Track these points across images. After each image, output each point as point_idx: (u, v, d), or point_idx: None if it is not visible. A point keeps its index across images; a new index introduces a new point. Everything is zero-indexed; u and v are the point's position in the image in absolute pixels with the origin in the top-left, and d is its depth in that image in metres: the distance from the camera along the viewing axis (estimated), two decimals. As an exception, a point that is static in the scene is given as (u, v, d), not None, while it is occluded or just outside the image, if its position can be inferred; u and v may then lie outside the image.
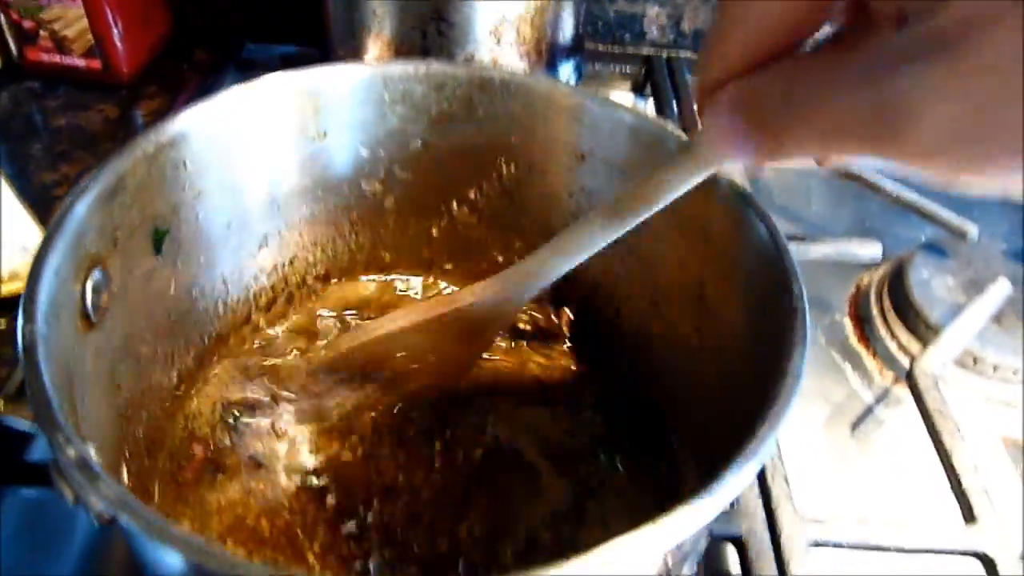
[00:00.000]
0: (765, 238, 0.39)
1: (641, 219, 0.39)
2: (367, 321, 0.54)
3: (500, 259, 0.57)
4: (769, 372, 0.36)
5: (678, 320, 0.48)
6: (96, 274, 0.38)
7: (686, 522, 0.29)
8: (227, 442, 0.48)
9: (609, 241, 0.42)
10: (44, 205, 0.72)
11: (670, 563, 0.33)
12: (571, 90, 0.48)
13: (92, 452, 0.28)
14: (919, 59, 0.22)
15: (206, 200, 0.46)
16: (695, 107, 0.33)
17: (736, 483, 0.30)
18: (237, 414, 0.50)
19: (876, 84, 0.23)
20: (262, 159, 0.47)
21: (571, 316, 0.56)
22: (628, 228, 0.40)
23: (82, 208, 0.38)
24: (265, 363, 0.52)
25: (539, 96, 0.48)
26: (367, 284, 0.57)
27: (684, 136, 0.45)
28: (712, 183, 0.42)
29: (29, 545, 0.52)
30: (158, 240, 0.43)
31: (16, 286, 0.65)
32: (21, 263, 0.67)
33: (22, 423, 0.33)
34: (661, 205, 0.38)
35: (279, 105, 0.46)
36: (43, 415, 0.29)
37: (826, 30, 0.29)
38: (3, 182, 0.69)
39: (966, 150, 0.23)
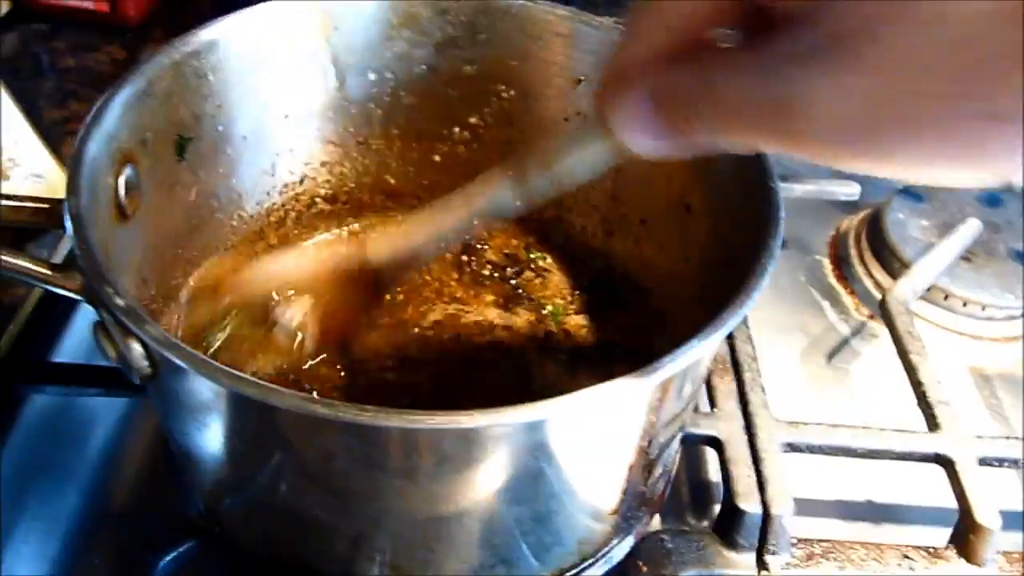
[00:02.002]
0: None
1: (547, 198, 0.40)
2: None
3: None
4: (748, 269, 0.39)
5: (666, 235, 0.51)
6: (128, 170, 0.42)
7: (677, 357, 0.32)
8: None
9: (515, 212, 0.42)
10: (55, 139, 0.74)
11: (654, 420, 0.37)
12: (568, 13, 0.51)
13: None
14: (813, 57, 0.24)
15: (226, 112, 0.49)
16: (598, 94, 0.34)
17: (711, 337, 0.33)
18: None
19: (773, 79, 0.25)
20: (279, 76, 0.51)
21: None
22: (532, 206, 0.41)
23: (116, 106, 0.41)
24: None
25: (537, 20, 0.51)
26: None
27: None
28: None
29: (52, 442, 0.56)
30: (181, 147, 0.46)
31: (32, 212, 0.68)
32: (35, 189, 0.70)
33: (69, 293, 0.36)
34: (569, 186, 0.39)
35: (297, 24, 0.50)
36: (93, 270, 0.32)
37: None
38: (19, 114, 0.71)
39: (858, 142, 0.24)
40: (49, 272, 0.36)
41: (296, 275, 0.46)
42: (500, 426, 0.31)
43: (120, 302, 0.31)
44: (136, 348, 0.33)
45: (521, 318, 0.57)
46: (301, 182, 0.57)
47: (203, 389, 0.32)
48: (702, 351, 0.34)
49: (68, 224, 0.34)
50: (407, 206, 0.62)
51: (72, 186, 0.35)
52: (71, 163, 0.37)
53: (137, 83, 0.42)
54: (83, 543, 0.52)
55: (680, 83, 0.29)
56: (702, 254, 0.49)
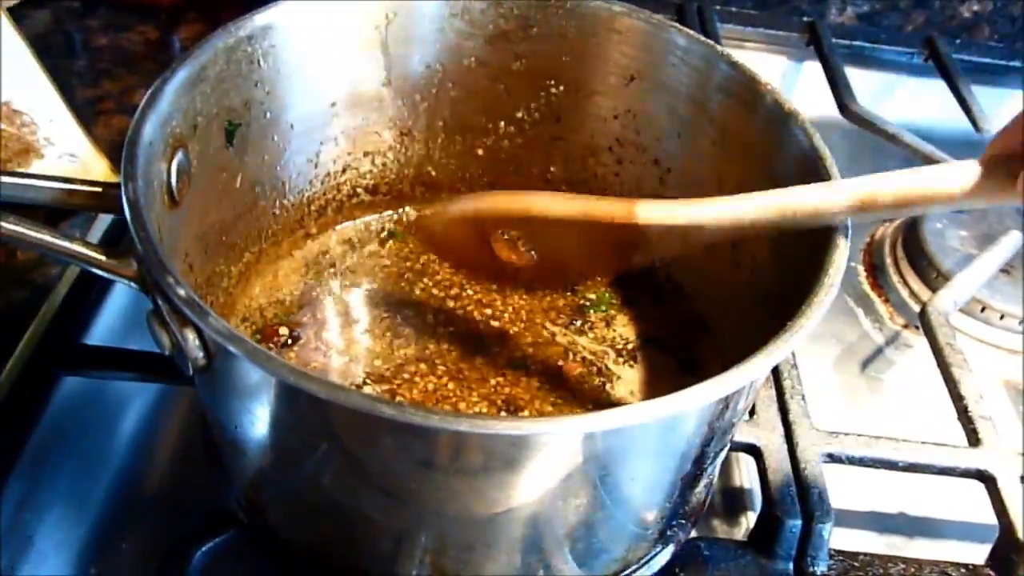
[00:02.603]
0: (806, 148, 0.42)
1: (878, 217, 0.38)
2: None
3: (535, 182, 0.59)
4: (802, 288, 0.39)
5: (718, 249, 0.50)
6: (180, 155, 0.41)
7: (730, 380, 0.32)
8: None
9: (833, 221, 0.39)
10: (88, 118, 0.74)
11: (712, 431, 0.36)
12: (624, 9, 0.50)
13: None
14: None
15: (275, 99, 0.48)
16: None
17: (778, 352, 0.32)
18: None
19: None
20: (329, 64, 0.50)
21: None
22: (862, 217, 0.39)
23: (170, 90, 0.40)
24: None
25: (594, 16, 0.50)
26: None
27: (733, 57, 0.47)
28: (755, 98, 0.45)
29: (84, 425, 0.55)
30: (230, 132, 0.46)
31: (65, 191, 0.67)
32: (69, 168, 0.70)
33: (122, 279, 0.36)
34: (917, 212, 0.37)
35: (352, 12, 0.49)
36: (152, 258, 0.32)
37: None
38: (55, 93, 0.71)
39: None
40: (104, 258, 0.36)
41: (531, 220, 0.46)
42: (562, 435, 0.30)
43: (181, 292, 0.31)
44: (192, 338, 0.32)
45: (563, 310, 0.57)
46: (343, 171, 0.56)
47: (262, 383, 0.32)
48: (768, 366, 0.33)
49: (126, 210, 0.33)
50: (447, 198, 0.61)
51: (129, 171, 0.35)
52: (127, 147, 0.36)
53: (191, 67, 0.41)
54: (114, 530, 0.52)
55: None
56: (755, 263, 0.48)
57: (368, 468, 0.34)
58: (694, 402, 0.31)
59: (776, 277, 0.46)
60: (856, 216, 0.38)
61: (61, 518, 0.52)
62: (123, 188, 0.34)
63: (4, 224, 0.34)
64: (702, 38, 0.48)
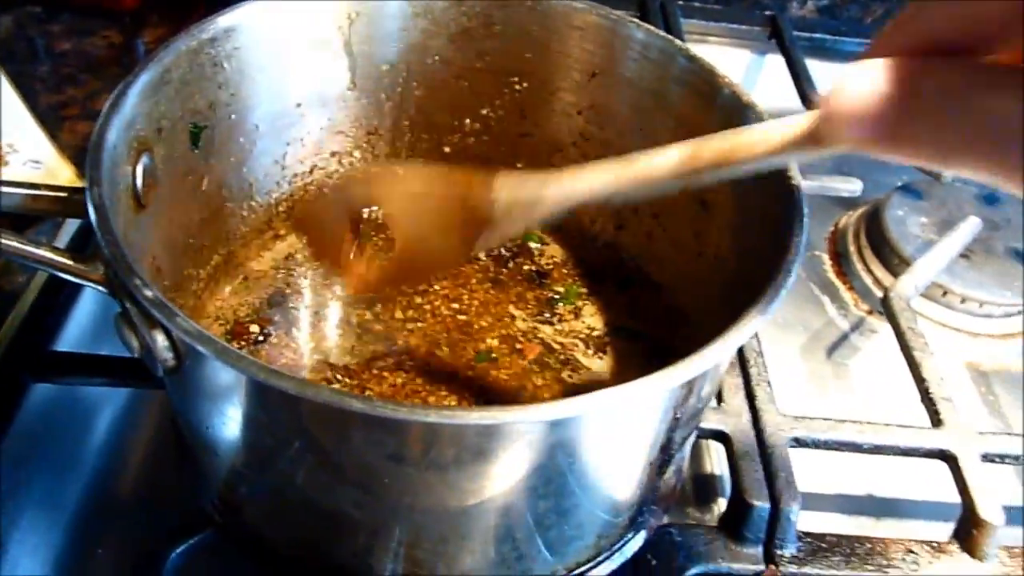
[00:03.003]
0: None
1: (718, 178, 0.36)
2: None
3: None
4: (764, 277, 0.39)
5: (680, 230, 0.52)
6: (145, 159, 0.41)
7: (703, 360, 0.32)
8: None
9: (670, 187, 0.37)
10: (52, 124, 0.73)
11: (678, 416, 0.37)
12: (586, 6, 0.51)
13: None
14: None
15: (240, 101, 0.48)
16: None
17: (742, 333, 0.33)
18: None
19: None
20: (293, 65, 0.50)
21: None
22: (699, 182, 0.37)
23: (134, 94, 0.40)
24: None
25: (555, 13, 0.51)
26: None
27: (691, 51, 0.48)
28: (713, 90, 0.46)
29: (54, 431, 0.55)
30: (195, 135, 0.46)
31: (30, 198, 0.67)
32: (34, 175, 0.69)
33: (90, 283, 0.36)
34: (747, 168, 0.35)
35: (315, 12, 0.49)
36: (120, 262, 0.32)
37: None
38: (18, 99, 0.70)
39: None
40: (71, 262, 0.36)
41: (394, 191, 0.45)
42: (531, 423, 0.31)
43: (149, 294, 0.31)
44: (161, 340, 0.33)
45: (530, 302, 0.57)
46: (311, 172, 0.57)
47: (233, 382, 0.32)
48: (729, 349, 0.34)
49: (92, 215, 0.33)
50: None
51: (94, 175, 0.35)
52: (91, 152, 0.36)
53: (154, 70, 0.42)
54: (89, 534, 0.52)
55: (909, 91, 0.27)
56: (718, 251, 0.49)
57: (341, 463, 0.34)
58: (657, 387, 0.32)
59: (738, 266, 0.47)
60: (687, 179, 0.37)
61: (35, 523, 0.52)
62: (88, 192, 0.34)
63: (-33, 230, 0.34)
64: (661, 32, 0.49)
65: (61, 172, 0.69)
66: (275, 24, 0.48)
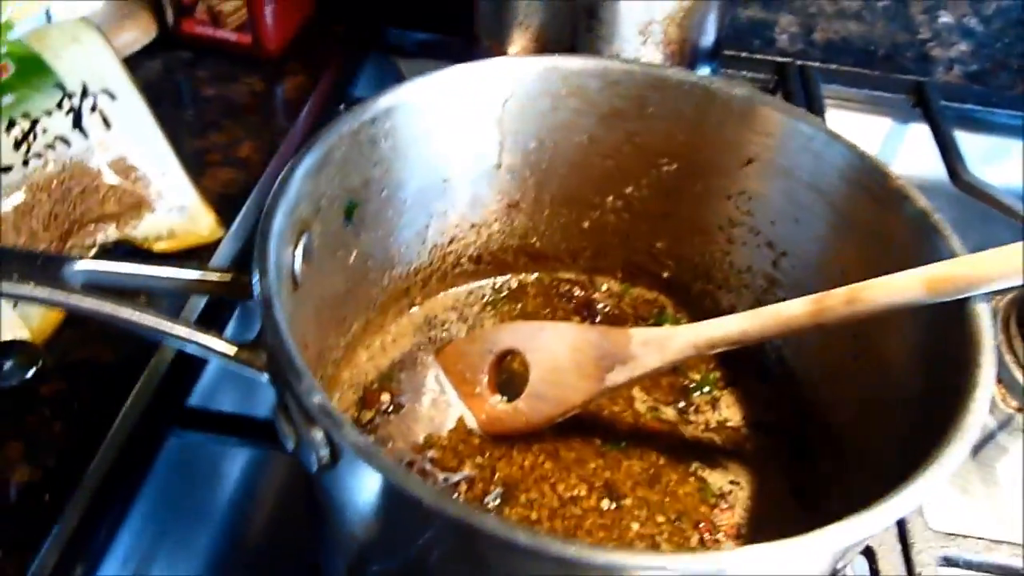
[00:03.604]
0: (944, 253, 0.40)
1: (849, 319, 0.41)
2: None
3: (640, 257, 0.59)
4: (936, 400, 0.37)
5: (837, 328, 0.49)
6: (305, 238, 0.42)
7: (862, 526, 0.30)
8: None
9: (802, 331, 0.43)
10: (196, 170, 0.75)
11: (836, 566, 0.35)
12: (747, 93, 0.49)
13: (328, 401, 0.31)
14: None
15: (392, 177, 0.49)
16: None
17: (910, 499, 0.31)
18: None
19: None
20: (445, 142, 0.50)
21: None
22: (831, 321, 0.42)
23: (298, 176, 0.41)
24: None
25: (715, 97, 0.49)
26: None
27: (862, 148, 0.46)
28: (899, 199, 0.43)
29: (186, 479, 0.56)
30: (349, 211, 0.46)
31: (172, 244, 0.69)
32: (178, 222, 0.71)
33: (251, 371, 0.36)
34: (874, 310, 0.40)
35: (471, 92, 0.49)
36: (287, 364, 0.32)
37: None
38: (167, 145, 0.73)
39: None
40: (234, 352, 0.36)
41: (535, 336, 0.50)
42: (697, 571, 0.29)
43: (317, 400, 0.31)
44: (320, 438, 0.32)
45: (664, 388, 0.55)
46: (450, 243, 0.56)
47: (389, 492, 0.31)
48: (909, 505, 0.31)
49: (260, 308, 0.34)
50: (549, 268, 0.61)
51: (261, 265, 0.35)
52: (259, 239, 0.36)
53: (318, 152, 0.42)
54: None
55: None
56: (880, 357, 0.46)
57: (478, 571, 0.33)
58: (825, 544, 0.30)
59: (904, 375, 0.44)
60: (818, 321, 0.42)
61: (170, 567, 0.53)
62: (257, 286, 0.34)
63: (140, 319, 0.35)
64: (827, 127, 0.47)
65: (203, 219, 0.71)
66: (432, 103, 0.48)
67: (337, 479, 0.35)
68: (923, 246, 0.41)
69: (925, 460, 0.32)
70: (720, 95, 0.49)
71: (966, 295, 0.38)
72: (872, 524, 0.30)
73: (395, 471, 0.29)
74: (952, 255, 0.40)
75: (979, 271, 0.37)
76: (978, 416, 0.34)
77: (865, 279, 0.45)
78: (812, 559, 0.31)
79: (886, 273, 0.40)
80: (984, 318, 0.38)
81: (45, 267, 0.35)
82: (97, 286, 0.36)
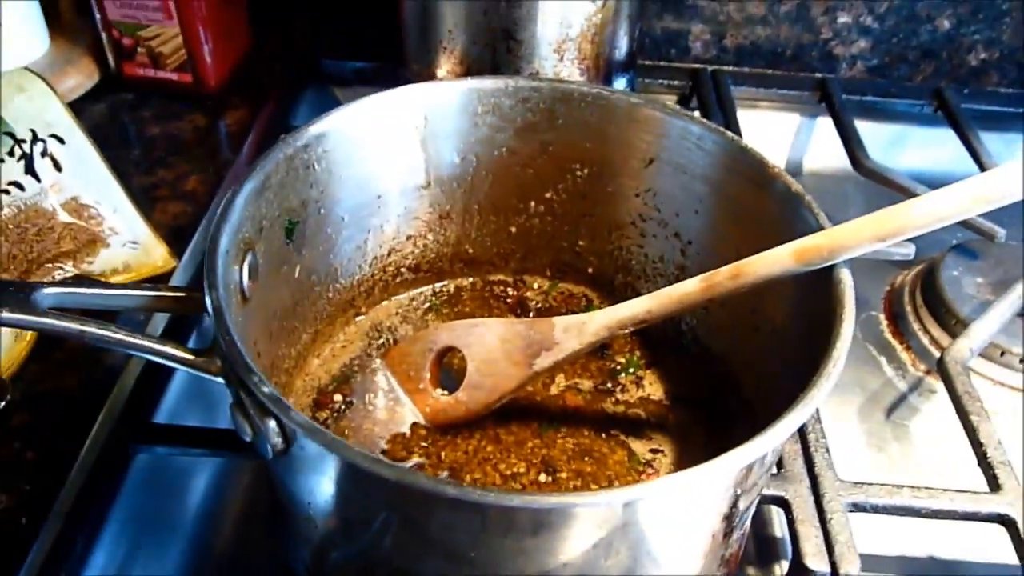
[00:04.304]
0: (814, 226, 0.46)
1: (734, 291, 0.47)
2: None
3: (565, 256, 0.65)
4: (819, 346, 0.42)
5: (736, 305, 0.54)
6: (250, 257, 0.46)
7: (760, 445, 0.35)
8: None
9: (697, 305, 0.49)
10: (146, 204, 0.79)
11: (739, 492, 0.40)
12: (643, 100, 0.55)
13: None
14: None
15: (328, 196, 0.53)
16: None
17: (795, 419, 0.36)
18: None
19: None
20: (375, 162, 0.55)
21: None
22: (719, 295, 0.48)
23: (240, 202, 0.45)
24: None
25: (614, 107, 0.55)
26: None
27: (742, 142, 0.52)
28: (765, 180, 0.49)
29: (156, 493, 0.60)
30: (290, 230, 0.51)
31: (127, 276, 0.73)
32: (132, 255, 0.75)
33: (208, 375, 0.40)
34: (755, 281, 0.46)
35: (394, 116, 0.54)
36: (238, 361, 0.36)
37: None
38: (117, 184, 0.76)
39: None
40: (192, 357, 0.41)
41: (471, 333, 0.55)
42: (603, 506, 0.34)
43: (266, 390, 0.35)
44: (273, 427, 0.37)
45: (593, 372, 0.61)
46: (389, 255, 0.61)
47: (337, 466, 0.36)
48: (787, 431, 0.37)
49: (212, 318, 0.38)
50: (483, 272, 0.66)
51: (211, 280, 0.40)
52: (207, 258, 0.41)
53: (257, 178, 0.47)
54: (190, 593, 0.56)
55: None
56: (773, 325, 0.52)
57: (429, 537, 0.38)
58: (722, 470, 0.35)
59: (795, 340, 0.50)
60: (708, 296, 0.49)
61: (143, 579, 0.57)
62: (207, 298, 0.39)
63: (107, 333, 0.39)
64: (714, 125, 0.53)
65: (155, 251, 0.75)
66: (359, 128, 0.53)
67: (291, 463, 0.39)
68: (795, 223, 0.47)
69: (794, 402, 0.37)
70: (617, 103, 0.55)
71: (830, 263, 0.44)
72: (753, 450, 0.36)
73: (337, 443, 0.33)
74: (819, 229, 0.46)
75: (839, 241, 0.43)
76: (838, 361, 0.39)
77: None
78: (711, 485, 0.36)
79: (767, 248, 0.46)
80: (846, 281, 0.43)
81: (16, 294, 0.39)
82: (65, 309, 0.40)
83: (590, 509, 0.34)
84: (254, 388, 0.35)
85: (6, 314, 0.38)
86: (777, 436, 0.36)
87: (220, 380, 0.41)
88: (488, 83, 0.56)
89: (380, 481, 0.33)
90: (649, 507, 0.36)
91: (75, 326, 0.39)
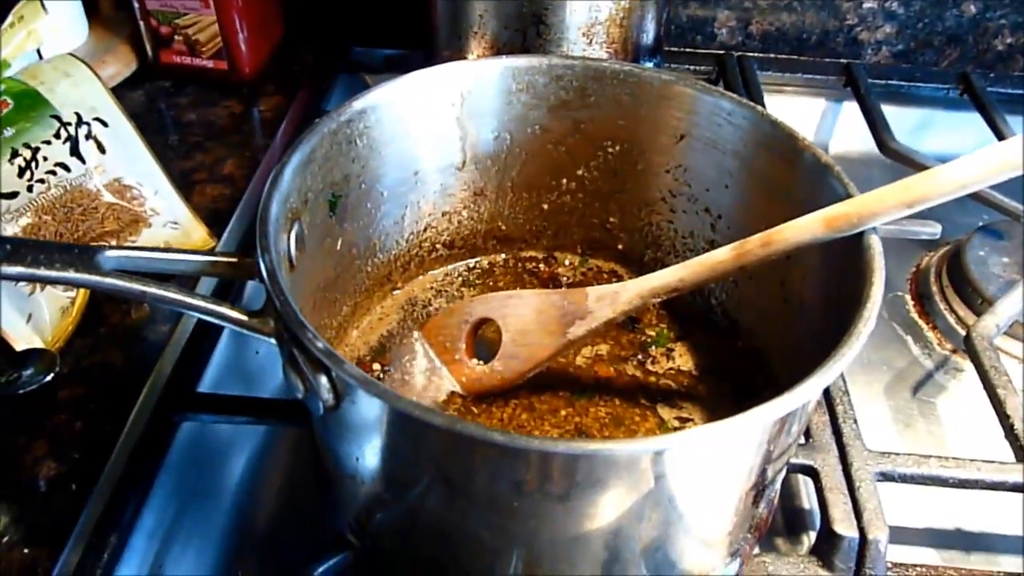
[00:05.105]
0: (843, 196, 0.47)
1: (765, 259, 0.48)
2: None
3: (596, 232, 0.66)
4: (847, 322, 0.43)
5: (765, 278, 0.56)
6: (296, 227, 0.48)
7: (792, 399, 0.37)
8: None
9: (728, 274, 0.50)
10: (185, 188, 0.81)
11: (769, 450, 0.41)
12: (675, 77, 0.56)
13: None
14: None
15: (368, 172, 0.55)
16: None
17: (828, 374, 0.37)
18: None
19: None
20: (413, 139, 0.57)
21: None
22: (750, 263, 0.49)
23: (288, 172, 0.47)
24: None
25: (646, 84, 0.57)
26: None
27: (773, 116, 0.53)
28: (794, 153, 0.51)
29: (201, 462, 0.62)
30: (333, 203, 0.53)
31: (171, 256, 0.75)
32: (173, 235, 0.77)
33: (261, 335, 0.42)
34: (786, 249, 0.47)
35: (432, 93, 0.56)
36: (292, 319, 0.38)
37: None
38: (158, 167, 0.78)
39: None
40: (245, 318, 0.42)
41: (506, 304, 0.56)
42: (638, 453, 0.36)
43: (320, 345, 0.37)
44: (324, 382, 0.39)
45: (625, 345, 0.62)
46: (424, 230, 0.63)
47: (385, 417, 0.38)
48: (815, 390, 0.38)
49: (265, 279, 0.40)
50: (515, 249, 0.68)
51: (263, 244, 0.42)
52: (259, 224, 0.43)
53: (304, 150, 0.48)
54: (234, 560, 0.58)
55: None
56: (802, 299, 0.53)
57: (474, 488, 0.40)
58: (754, 423, 0.36)
59: (822, 313, 0.51)
60: (739, 264, 0.49)
61: (186, 549, 0.59)
62: (261, 260, 0.41)
63: (167, 294, 0.41)
64: (744, 100, 0.54)
65: (195, 232, 0.77)
66: (399, 104, 0.55)
67: (341, 419, 0.41)
68: (825, 193, 0.48)
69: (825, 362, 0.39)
70: (649, 81, 0.56)
71: (859, 230, 0.45)
72: (785, 404, 0.37)
73: (389, 393, 0.35)
74: (847, 197, 0.47)
75: (868, 207, 0.44)
76: (869, 321, 0.40)
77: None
78: (741, 439, 0.37)
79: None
80: (876, 246, 0.45)
81: (81, 256, 0.41)
82: (125, 271, 0.42)
83: (627, 455, 0.35)
84: (308, 343, 0.37)
85: (73, 274, 0.40)
86: (808, 391, 0.37)
87: (271, 340, 0.43)
88: (523, 61, 0.57)
89: (431, 430, 0.35)
90: (680, 457, 0.37)
91: (137, 287, 0.41)
